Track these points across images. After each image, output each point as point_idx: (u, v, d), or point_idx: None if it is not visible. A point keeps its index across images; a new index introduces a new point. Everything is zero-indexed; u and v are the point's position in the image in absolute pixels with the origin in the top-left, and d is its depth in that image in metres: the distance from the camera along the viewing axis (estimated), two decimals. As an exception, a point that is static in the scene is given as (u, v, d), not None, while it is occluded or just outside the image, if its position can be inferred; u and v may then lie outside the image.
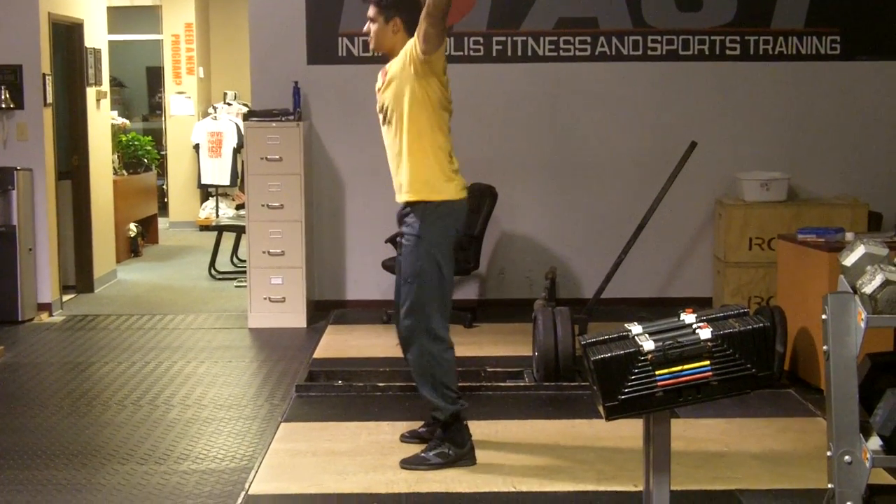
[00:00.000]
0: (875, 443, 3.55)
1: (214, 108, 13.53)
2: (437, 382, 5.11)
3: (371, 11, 5.15)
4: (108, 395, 6.51)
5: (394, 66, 5.09)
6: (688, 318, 3.72)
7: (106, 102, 10.25)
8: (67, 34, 9.40)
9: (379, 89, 5.21)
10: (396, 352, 7.29)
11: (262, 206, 8.14)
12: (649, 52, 8.60)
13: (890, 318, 3.45)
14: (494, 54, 8.60)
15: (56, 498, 4.84)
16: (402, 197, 5.14)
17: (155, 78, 15.07)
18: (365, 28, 5.23)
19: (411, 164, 5.06)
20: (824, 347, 3.50)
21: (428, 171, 5.06)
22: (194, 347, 7.68)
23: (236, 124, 12.90)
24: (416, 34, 4.91)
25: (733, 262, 8.02)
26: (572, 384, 6.35)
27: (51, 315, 8.67)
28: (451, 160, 5.14)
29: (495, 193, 7.98)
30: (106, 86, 10.23)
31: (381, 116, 5.21)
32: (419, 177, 5.06)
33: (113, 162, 10.92)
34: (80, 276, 9.64)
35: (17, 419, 6.05)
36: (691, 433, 5.55)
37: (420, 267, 5.07)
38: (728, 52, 8.60)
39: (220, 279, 10.43)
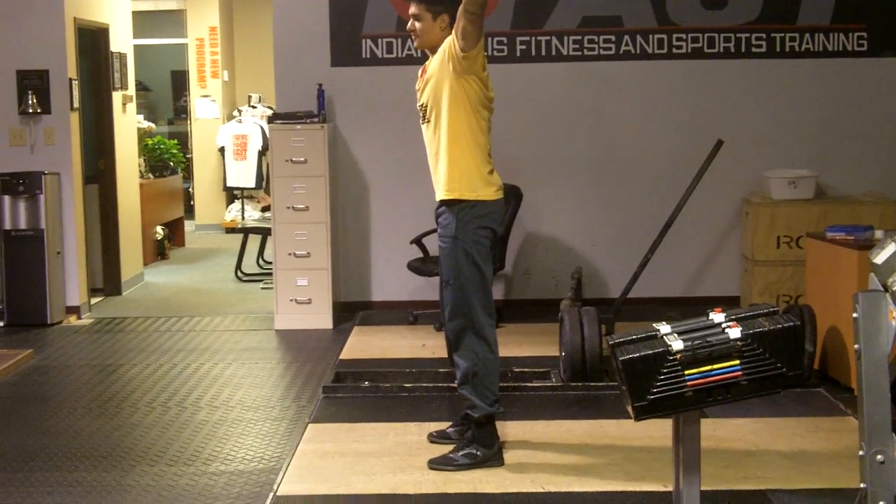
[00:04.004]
0: (908, 442, 3.51)
1: (239, 111, 13.56)
2: (477, 381, 5.10)
3: (415, 8, 5.08)
4: (137, 397, 6.54)
5: (433, 63, 5.08)
6: (717, 317, 3.69)
7: (132, 106, 10.30)
8: (93, 39, 9.44)
9: (418, 87, 5.20)
10: (423, 352, 7.35)
11: (288, 208, 8.16)
12: (674, 50, 8.57)
13: (921, 315, 3.41)
14: (518, 54, 8.59)
15: (85, 500, 4.86)
16: (439, 195, 5.14)
17: (180, 81, 15.13)
18: (409, 26, 5.18)
19: (449, 163, 5.05)
20: (855, 346, 3.46)
21: (465, 169, 5.04)
22: (221, 349, 7.69)
23: (261, 127, 12.92)
24: (453, 31, 4.90)
25: (761, 261, 7.98)
26: (599, 384, 6.33)
27: (79, 318, 8.71)
28: (488, 160, 5.13)
29: (520, 194, 7.96)
30: (132, 90, 10.28)
31: (420, 114, 5.20)
32: (456, 175, 5.04)
33: (139, 165, 10.97)
34: (107, 279, 9.69)
35: (46, 421, 6.08)
36: (720, 433, 5.53)
37: (459, 268, 5.06)
38: (754, 49, 8.56)
39: (246, 281, 10.45)
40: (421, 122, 5.21)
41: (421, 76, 5.20)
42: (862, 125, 8.62)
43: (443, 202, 5.12)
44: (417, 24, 5.11)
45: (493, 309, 5.21)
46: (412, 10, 5.11)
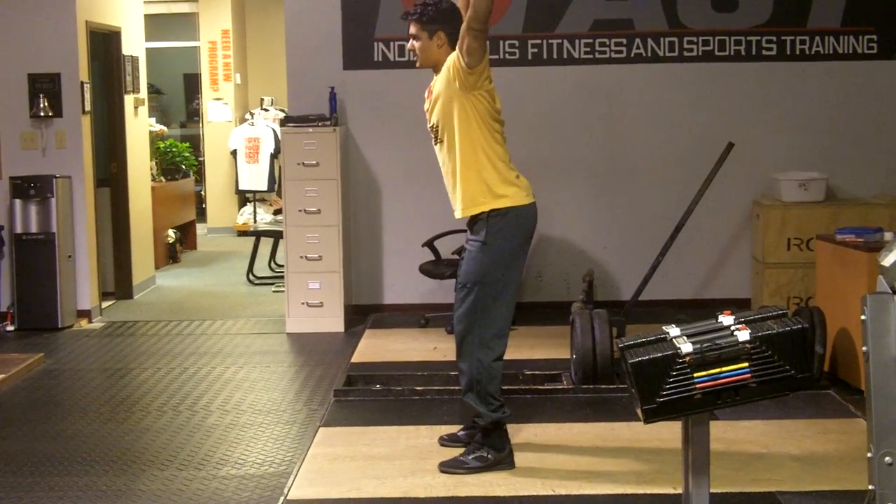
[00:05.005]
0: (917, 444, 3.51)
1: (251, 114, 13.60)
2: (481, 390, 5.09)
3: (413, 28, 5.09)
4: (148, 400, 6.55)
5: (438, 83, 5.06)
6: (726, 319, 3.69)
7: (144, 109, 10.33)
8: (105, 42, 9.47)
9: (427, 109, 5.18)
10: (434, 356, 7.36)
11: (300, 211, 8.17)
12: (685, 54, 8.57)
13: (930, 318, 3.41)
14: (530, 57, 8.60)
15: None
16: (460, 213, 5.07)
17: (192, 84, 15.16)
18: (409, 45, 5.18)
19: (469, 178, 5.00)
20: (863, 348, 3.47)
21: (487, 180, 4.99)
22: (233, 353, 7.71)
23: (273, 130, 12.96)
24: (457, 48, 4.88)
25: (772, 263, 7.97)
26: (610, 387, 6.32)
27: (90, 322, 8.73)
28: (510, 168, 5.10)
29: (531, 196, 7.95)
30: (144, 93, 10.30)
31: (432, 136, 5.17)
32: (479, 188, 5.00)
33: (151, 168, 10.99)
34: (119, 283, 9.71)
35: (57, 425, 6.10)
36: (731, 435, 5.53)
37: (481, 273, 5.01)
38: (764, 52, 8.55)
39: (258, 284, 10.47)
40: (433, 143, 5.18)
41: (428, 97, 5.19)
42: (872, 127, 8.61)
43: (473, 218, 5.06)
44: (416, 44, 5.11)
45: (510, 321, 5.16)
46: (411, 29, 5.12)
